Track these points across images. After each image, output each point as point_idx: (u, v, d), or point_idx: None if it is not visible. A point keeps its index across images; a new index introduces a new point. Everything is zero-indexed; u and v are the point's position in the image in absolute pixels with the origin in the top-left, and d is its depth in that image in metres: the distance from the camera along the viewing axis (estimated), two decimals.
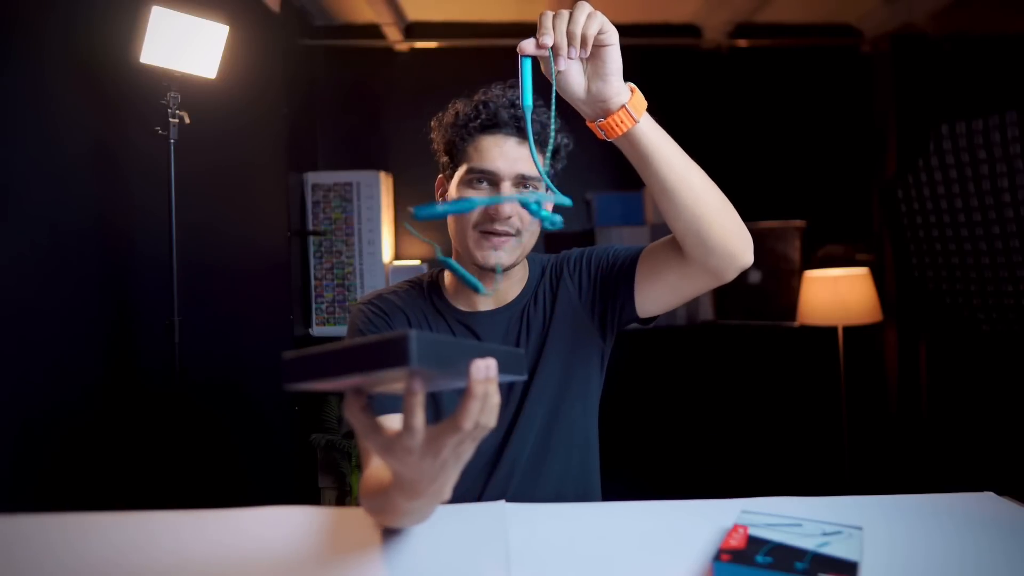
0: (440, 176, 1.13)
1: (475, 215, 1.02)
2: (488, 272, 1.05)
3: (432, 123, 1.11)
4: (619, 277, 1.08)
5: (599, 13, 0.79)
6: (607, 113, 0.84)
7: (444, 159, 1.10)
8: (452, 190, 1.07)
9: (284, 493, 2.63)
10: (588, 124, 0.87)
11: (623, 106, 0.83)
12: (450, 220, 1.06)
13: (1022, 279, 2.39)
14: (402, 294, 1.13)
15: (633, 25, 3.13)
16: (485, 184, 1.03)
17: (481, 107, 1.03)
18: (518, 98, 1.02)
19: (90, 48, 1.78)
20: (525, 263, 1.16)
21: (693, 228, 0.91)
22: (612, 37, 0.80)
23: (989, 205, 2.43)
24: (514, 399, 1.08)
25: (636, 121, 0.84)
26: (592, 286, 1.11)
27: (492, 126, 1.02)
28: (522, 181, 1.03)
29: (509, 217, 1.01)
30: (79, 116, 1.77)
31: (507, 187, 1.01)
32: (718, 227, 0.91)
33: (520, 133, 1.02)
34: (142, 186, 1.92)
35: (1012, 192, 2.34)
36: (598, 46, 0.80)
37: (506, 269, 1.05)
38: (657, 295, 1.05)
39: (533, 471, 1.09)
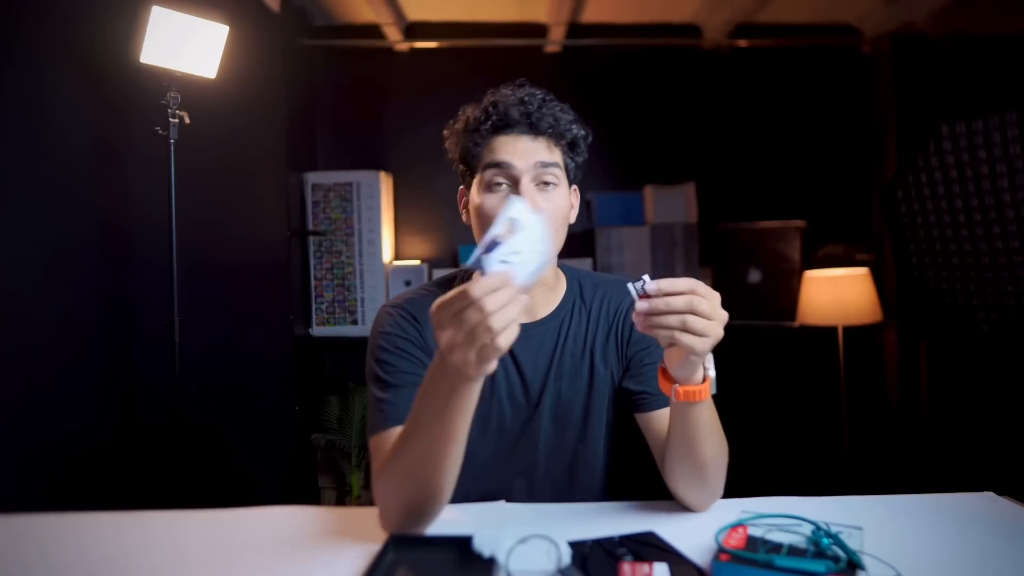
0: (461, 187, 1.10)
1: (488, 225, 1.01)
2: None
3: (445, 132, 1.09)
4: (634, 401, 1.08)
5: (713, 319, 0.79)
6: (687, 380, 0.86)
7: (461, 168, 1.08)
8: (473, 197, 1.04)
9: (284, 493, 2.63)
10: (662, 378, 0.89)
11: (696, 387, 0.85)
12: (476, 225, 1.04)
13: (1022, 279, 2.39)
14: (433, 299, 1.12)
15: (633, 25, 3.13)
16: (504, 186, 1.00)
17: (491, 108, 1.01)
18: (527, 96, 1.01)
19: (90, 48, 1.78)
20: (558, 273, 1.13)
21: (683, 472, 0.95)
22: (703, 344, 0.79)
23: (989, 205, 2.43)
24: (580, 406, 1.09)
25: (706, 398, 0.86)
26: (624, 366, 1.11)
27: (504, 126, 1.01)
28: (541, 174, 1.01)
29: None
30: (79, 116, 1.76)
31: (527, 184, 0.99)
32: (707, 483, 0.94)
33: (532, 129, 1.01)
34: (142, 186, 1.92)
35: (1012, 192, 2.34)
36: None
37: None
38: None
39: (560, 484, 1.10)
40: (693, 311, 0.77)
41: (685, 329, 0.78)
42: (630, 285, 0.81)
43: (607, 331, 1.10)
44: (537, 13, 3.00)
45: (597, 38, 3.12)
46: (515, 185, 0.99)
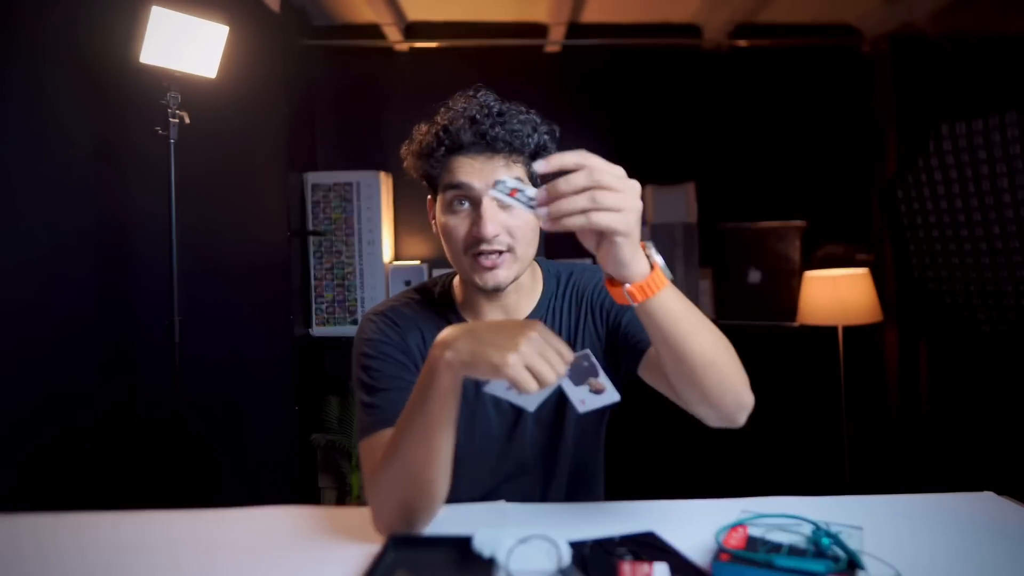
0: (428, 198, 1.10)
1: (462, 240, 0.99)
2: (492, 293, 1.03)
3: (402, 152, 1.08)
4: (625, 355, 1.05)
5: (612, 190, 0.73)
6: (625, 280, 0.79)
7: (424, 184, 1.08)
8: (438, 214, 1.04)
9: (284, 493, 2.63)
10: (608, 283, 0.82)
11: (646, 278, 0.79)
12: (444, 244, 1.04)
13: (1022, 279, 2.39)
14: (415, 306, 1.10)
15: (633, 25, 3.13)
16: (467, 205, 0.99)
17: (442, 133, 1.00)
18: (479, 112, 0.99)
19: (90, 48, 1.78)
20: (535, 272, 1.13)
21: (691, 387, 0.87)
22: (619, 224, 0.73)
23: (989, 205, 2.43)
24: (565, 406, 1.08)
25: (653, 294, 0.79)
26: (607, 335, 1.09)
27: (458, 149, 1.00)
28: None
29: (496, 235, 0.97)
30: (79, 116, 1.76)
31: (488, 203, 0.98)
32: (717, 388, 0.86)
33: (488, 148, 0.99)
34: (142, 186, 1.92)
35: (1012, 192, 2.34)
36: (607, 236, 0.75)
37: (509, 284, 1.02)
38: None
39: (546, 481, 1.09)
40: (598, 186, 0.72)
41: (597, 207, 0.71)
42: (503, 179, 0.77)
43: (580, 320, 1.10)
44: (537, 13, 3.00)
45: (597, 38, 3.11)
46: (476, 205, 0.98)
